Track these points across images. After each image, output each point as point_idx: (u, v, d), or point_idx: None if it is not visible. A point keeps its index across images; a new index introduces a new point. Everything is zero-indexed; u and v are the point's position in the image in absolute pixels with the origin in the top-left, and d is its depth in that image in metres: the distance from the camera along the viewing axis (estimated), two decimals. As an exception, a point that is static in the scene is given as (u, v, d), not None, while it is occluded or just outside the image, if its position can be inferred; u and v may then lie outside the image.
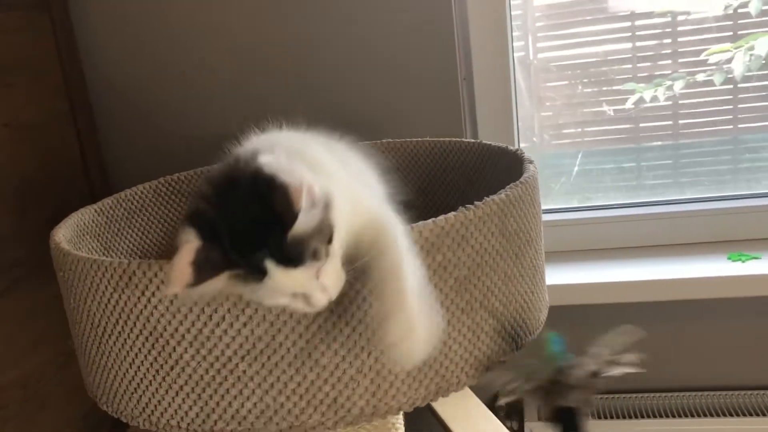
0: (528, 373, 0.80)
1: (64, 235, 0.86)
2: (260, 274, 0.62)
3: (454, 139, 1.11)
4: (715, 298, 1.28)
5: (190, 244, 0.62)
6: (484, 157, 1.05)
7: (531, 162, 0.89)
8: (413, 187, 1.15)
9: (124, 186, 1.09)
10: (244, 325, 0.71)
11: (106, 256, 0.98)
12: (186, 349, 0.73)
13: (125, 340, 0.75)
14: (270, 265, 0.62)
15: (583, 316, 1.38)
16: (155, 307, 0.72)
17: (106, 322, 0.76)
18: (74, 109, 1.30)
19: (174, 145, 1.39)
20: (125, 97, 1.41)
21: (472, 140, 1.09)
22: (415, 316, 0.66)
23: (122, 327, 0.75)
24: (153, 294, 0.72)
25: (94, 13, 1.38)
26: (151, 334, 0.74)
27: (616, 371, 0.78)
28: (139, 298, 0.73)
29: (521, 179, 0.82)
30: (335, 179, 0.70)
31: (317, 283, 0.65)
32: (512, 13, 1.44)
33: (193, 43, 1.39)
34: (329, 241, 0.65)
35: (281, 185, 0.61)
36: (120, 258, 1.01)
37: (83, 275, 0.76)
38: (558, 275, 1.34)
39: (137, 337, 0.74)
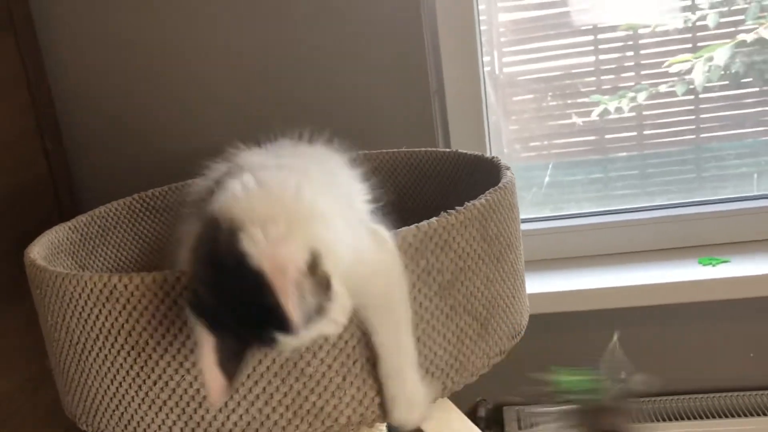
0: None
1: (38, 252, 0.84)
2: (274, 342, 0.63)
3: (429, 149, 1.11)
4: (687, 302, 1.29)
5: (207, 345, 0.62)
6: (460, 166, 1.06)
7: (508, 168, 0.90)
8: (391, 197, 1.15)
9: (93, 204, 1.07)
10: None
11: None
12: (169, 363, 0.72)
13: (106, 355, 0.74)
14: (280, 336, 0.62)
15: (558, 324, 1.39)
16: (137, 320, 0.71)
17: (86, 339, 0.74)
18: (41, 127, 1.28)
19: (144, 161, 1.37)
20: (93, 114, 1.39)
21: (448, 149, 1.10)
22: (416, 393, 0.74)
23: (103, 342, 0.73)
24: (135, 307, 0.71)
25: (61, 31, 1.36)
26: (133, 348, 0.72)
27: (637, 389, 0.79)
28: (120, 312, 0.71)
29: (500, 184, 0.83)
30: (327, 220, 0.66)
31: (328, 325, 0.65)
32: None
33: (160, 59, 1.38)
34: (328, 288, 0.64)
35: (268, 287, 0.59)
36: None
37: (61, 291, 0.75)
38: (531, 284, 1.34)
39: (119, 352, 0.73)
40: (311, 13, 1.35)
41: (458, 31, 1.38)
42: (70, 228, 0.96)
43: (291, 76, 1.34)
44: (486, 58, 1.48)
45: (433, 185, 1.11)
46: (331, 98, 1.36)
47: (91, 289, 0.72)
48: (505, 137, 1.53)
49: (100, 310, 0.72)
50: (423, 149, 1.11)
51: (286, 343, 0.63)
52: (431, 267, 0.75)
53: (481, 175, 0.96)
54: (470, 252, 0.77)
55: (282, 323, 0.59)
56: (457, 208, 0.76)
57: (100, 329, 0.73)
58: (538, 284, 1.35)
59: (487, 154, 1.38)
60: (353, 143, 1.26)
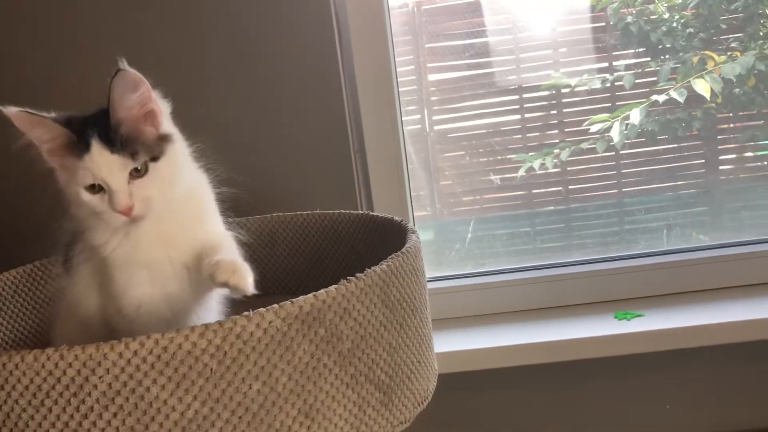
0: None
1: None
2: (86, 146, 0.74)
3: (343, 212, 1.07)
4: (603, 357, 1.26)
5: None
6: (371, 229, 1.02)
7: (414, 232, 0.86)
8: (305, 259, 1.11)
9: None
10: (114, 415, 0.64)
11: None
12: (53, 446, 0.65)
13: (-16, 437, 0.67)
14: (93, 140, 0.74)
15: (479, 382, 1.35)
16: (16, 401, 0.65)
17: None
18: None
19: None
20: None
21: (360, 212, 1.06)
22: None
23: (-19, 423, 0.67)
24: (14, 387, 0.64)
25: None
26: (11, 430, 0.65)
27: None
28: (-2, 391, 0.65)
29: (403, 249, 0.78)
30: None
31: (125, 185, 0.74)
32: (408, 88, 1.45)
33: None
34: (154, 159, 0.76)
35: (120, 70, 0.73)
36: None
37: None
38: (452, 341, 1.31)
39: (-3, 433, 0.66)
40: (227, 67, 1.31)
41: (378, 90, 1.35)
42: None
43: (206, 135, 1.29)
44: (416, 117, 1.47)
45: (347, 248, 1.06)
46: (250, 160, 1.30)
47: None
48: (436, 193, 1.51)
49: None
50: (336, 211, 1.08)
51: (91, 152, 0.74)
52: (330, 335, 0.70)
53: (390, 238, 0.92)
54: (371, 319, 0.73)
55: (102, 127, 0.74)
56: (357, 274, 0.72)
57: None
58: (457, 342, 1.31)
59: (407, 216, 1.36)
60: (271, 205, 1.23)
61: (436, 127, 1.52)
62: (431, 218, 1.53)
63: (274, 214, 1.15)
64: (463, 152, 1.52)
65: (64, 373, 0.64)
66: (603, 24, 1.49)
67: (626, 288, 1.40)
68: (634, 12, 1.46)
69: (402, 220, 0.92)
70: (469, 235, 1.51)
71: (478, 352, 1.25)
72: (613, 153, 1.48)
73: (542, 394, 1.38)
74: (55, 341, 0.89)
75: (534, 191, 1.53)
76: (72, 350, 0.64)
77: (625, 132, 1.45)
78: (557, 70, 1.49)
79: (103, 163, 0.74)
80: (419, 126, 1.50)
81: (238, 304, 0.88)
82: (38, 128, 0.75)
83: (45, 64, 1.31)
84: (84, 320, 0.84)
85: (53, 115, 0.76)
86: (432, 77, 1.51)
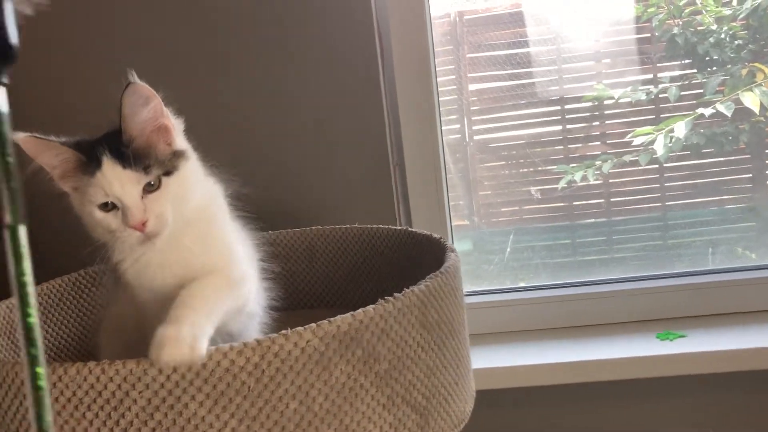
0: None
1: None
2: (97, 164, 0.73)
3: (382, 227, 1.07)
4: (645, 378, 1.23)
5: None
6: (410, 245, 1.01)
7: (453, 251, 0.85)
8: (343, 273, 1.11)
9: (42, 280, 1.01)
10: (153, 430, 0.65)
11: (15, 356, 0.90)
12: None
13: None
14: (104, 156, 0.73)
15: (515, 400, 1.33)
16: (58, 413, 0.66)
17: None
18: None
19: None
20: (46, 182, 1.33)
21: (399, 228, 1.05)
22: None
23: (22, 436, 0.68)
24: (56, 399, 0.65)
25: (22, 100, 1.31)
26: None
27: None
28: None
29: (441, 269, 0.78)
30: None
31: (138, 200, 0.73)
32: (449, 97, 1.44)
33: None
34: (167, 174, 0.75)
35: (131, 83, 0.72)
36: None
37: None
38: (489, 358, 1.28)
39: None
40: (267, 78, 1.30)
41: (418, 102, 1.34)
42: (7, 307, 0.90)
43: (246, 147, 1.29)
44: (456, 126, 1.46)
45: (385, 263, 1.06)
46: (289, 173, 1.31)
47: (2, 380, 0.67)
48: (475, 203, 1.49)
49: (11, 402, 0.67)
50: (375, 226, 1.07)
51: (102, 170, 0.74)
52: (367, 356, 0.69)
53: (428, 255, 0.91)
54: (409, 340, 0.72)
55: (114, 142, 0.74)
56: (395, 294, 0.71)
57: (20, 425, 0.67)
58: (494, 358, 1.29)
59: (446, 229, 1.35)
60: (310, 218, 1.22)
61: (476, 137, 1.51)
62: (470, 229, 1.52)
63: (313, 227, 1.15)
64: (502, 163, 1.50)
65: (105, 387, 0.65)
66: (648, 35, 1.46)
67: (669, 307, 1.36)
68: (680, 23, 1.42)
69: (441, 238, 0.91)
70: (509, 248, 1.49)
71: (515, 370, 1.23)
72: (657, 166, 1.45)
73: (580, 415, 1.35)
74: (99, 349, 0.90)
75: (575, 203, 1.50)
76: (113, 365, 0.65)
77: (670, 145, 1.42)
78: (600, 82, 1.46)
79: (115, 178, 0.73)
80: (459, 136, 1.49)
81: (278, 320, 0.88)
82: (47, 152, 0.74)
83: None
84: (126, 331, 0.85)
85: (62, 138, 0.76)
86: (473, 87, 1.49)
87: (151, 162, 0.74)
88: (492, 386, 1.21)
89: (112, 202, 0.74)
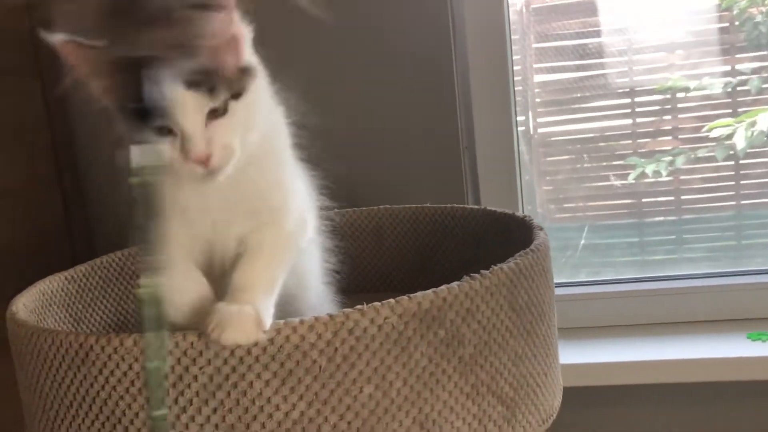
0: None
1: (25, 304, 0.72)
2: None
3: (456, 205, 0.96)
4: (733, 380, 1.10)
5: None
6: (488, 224, 0.91)
7: (541, 229, 0.75)
8: (412, 255, 1.01)
9: (111, 251, 0.94)
10: (214, 410, 0.57)
11: (75, 328, 0.83)
12: (148, 438, 0.58)
13: (79, 426, 0.60)
14: None
15: (589, 400, 1.21)
16: (114, 387, 0.58)
17: (59, 405, 0.61)
18: (61, 172, 1.16)
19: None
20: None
21: (476, 206, 0.96)
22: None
23: (76, 411, 0.60)
24: (112, 372, 0.58)
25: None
26: (108, 419, 0.59)
27: None
28: (96, 377, 0.58)
29: (532, 246, 0.68)
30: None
31: (201, 129, 0.59)
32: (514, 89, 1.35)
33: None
34: (235, 96, 0.60)
35: None
36: (90, 330, 0.86)
37: (36, 349, 0.62)
38: (564, 354, 1.17)
39: (92, 423, 0.59)
40: (344, 64, 1.24)
41: (492, 87, 1.25)
42: (66, 278, 0.83)
43: (317, 127, 1.23)
44: (520, 118, 1.36)
45: (458, 244, 0.95)
46: (358, 152, 1.23)
47: (67, 350, 0.59)
48: (538, 197, 1.39)
49: (75, 374, 0.59)
50: (449, 205, 0.97)
51: None
52: (451, 338, 0.60)
53: (510, 235, 0.81)
54: (496, 323, 0.62)
55: None
56: (482, 272, 0.62)
57: (74, 396, 0.60)
58: (569, 355, 1.17)
59: (520, 213, 1.25)
60: (378, 198, 1.14)
61: (540, 130, 1.41)
62: (533, 223, 1.42)
63: (382, 206, 1.05)
64: (568, 156, 1.40)
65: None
66: (726, 24, 1.35)
67: (763, 306, 1.23)
68: (764, 11, 1.30)
69: (526, 216, 0.81)
70: (582, 242, 1.38)
71: (595, 367, 1.12)
72: (732, 162, 1.33)
73: (663, 417, 1.23)
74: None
75: (643, 200, 1.40)
76: (172, 337, 0.57)
77: (750, 139, 1.30)
78: (673, 73, 1.35)
79: (175, 99, 0.58)
80: (523, 128, 1.39)
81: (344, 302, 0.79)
82: (91, 61, 0.57)
83: None
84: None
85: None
86: (538, 78, 1.40)
87: (217, 82, 0.59)
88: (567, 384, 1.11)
89: (168, 126, 0.59)
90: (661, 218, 1.40)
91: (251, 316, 0.57)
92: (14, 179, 1.09)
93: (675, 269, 1.35)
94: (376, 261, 1.05)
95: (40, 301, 0.76)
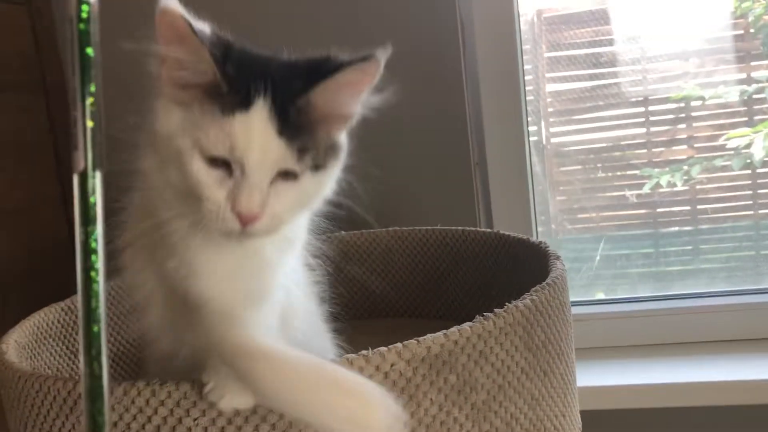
0: None
1: (17, 340, 0.67)
2: (243, 104, 0.49)
3: (467, 229, 0.90)
4: (759, 404, 1.04)
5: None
6: (501, 250, 0.85)
7: (557, 258, 0.69)
8: (422, 280, 0.94)
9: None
10: (209, 465, 0.51)
11: (72, 362, 0.77)
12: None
13: (69, 477, 0.55)
14: (260, 100, 0.49)
15: (607, 424, 1.14)
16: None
17: (48, 455, 0.56)
18: (65, 192, 1.12)
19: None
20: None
21: (488, 230, 0.89)
22: None
23: (66, 462, 0.55)
24: (115, 425, 0.52)
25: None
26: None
27: None
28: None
29: (548, 280, 0.62)
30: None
31: (266, 185, 0.50)
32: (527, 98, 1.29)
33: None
34: (315, 168, 0.52)
35: (373, 57, 0.52)
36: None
37: (23, 394, 0.57)
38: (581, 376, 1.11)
39: (82, 475, 0.54)
40: None
41: (502, 99, 1.20)
42: (63, 309, 0.77)
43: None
44: (533, 128, 1.31)
45: (470, 270, 0.89)
46: (365, 168, 1.17)
47: (54, 397, 0.54)
48: (552, 208, 1.33)
49: (63, 423, 0.54)
50: (460, 228, 0.90)
51: (248, 114, 0.48)
52: (463, 384, 0.54)
53: (525, 262, 0.75)
54: (511, 365, 0.57)
55: (282, 86, 0.50)
56: (495, 310, 0.56)
57: (62, 445, 0.55)
58: (586, 377, 1.10)
59: (531, 234, 1.19)
60: (388, 217, 1.08)
61: (553, 140, 1.35)
62: (546, 235, 1.36)
63: (390, 229, 0.99)
64: (581, 167, 1.35)
65: (156, 411, 0.52)
66: (741, 32, 1.28)
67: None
68: (779, 18, 1.24)
69: (541, 243, 0.74)
70: (598, 256, 1.31)
71: (609, 390, 1.05)
72: (749, 172, 1.26)
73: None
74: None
75: (658, 210, 1.33)
76: (165, 386, 0.51)
77: (768, 148, 1.24)
78: (687, 81, 1.29)
79: (259, 140, 0.48)
80: (536, 138, 1.34)
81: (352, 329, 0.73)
82: (185, 48, 0.49)
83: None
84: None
85: (209, 33, 0.51)
86: (550, 88, 1.34)
87: (310, 145, 0.51)
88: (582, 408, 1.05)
89: (228, 161, 0.49)
90: (677, 228, 1.33)
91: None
92: (17, 198, 1.05)
93: (692, 280, 1.29)
94: (385, 286, 0.98)
95: (34, 335, 0.71)
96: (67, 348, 0.77)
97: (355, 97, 0.54)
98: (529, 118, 1.31)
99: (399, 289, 0.98)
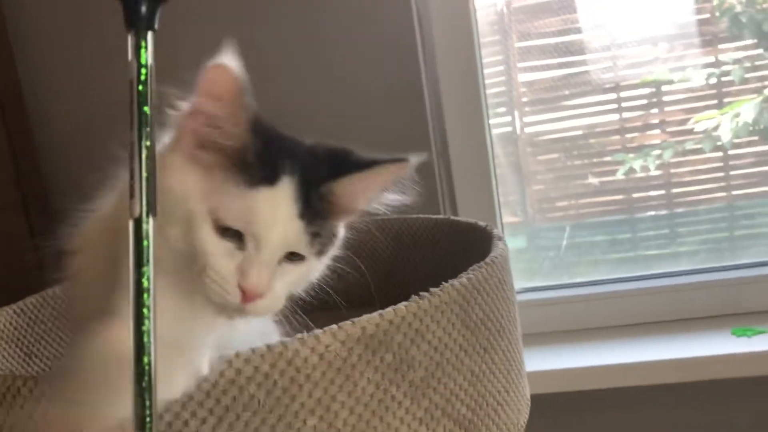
0: None
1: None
2: (268, 180, 0.48)
3: (421, 216, 0.90)
4: (718, 379, 1.03)
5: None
6: (453, 235, 0.84)
7: (500, 239, 0.68)
8: (377, 269, 0.94)
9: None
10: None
11: (26, 363, 0.77)
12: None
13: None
14: (288, 179, 0.49)
15: (575, 404, 1.15)
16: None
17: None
18: (25, 198, 1.11)
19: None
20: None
21: (440, 216, 0.89)
22: None
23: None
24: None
25: (50, 104, 1.19)
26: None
27: None
28: (25, 423, 0.53)
29: (487, 259, 0.62)
30: None
31: (275, 264, 0.50)
32: (498, 89, 1.29)
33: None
34: (319, 253, 0.54)
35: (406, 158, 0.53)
36: (42, 366, 0.80)
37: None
38: (547, 359, 1.11)
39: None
40: (302, 67, 1.18)
41: (462, 90, 1.19)
42: (15, 311, 0.77)
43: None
44: (507, 119, 1.30)
45: (426, 255, 0.89)
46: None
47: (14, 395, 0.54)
48: (528, 198, 1.33)
49: (4, 419, 0.54)
50: (413, 216, 0.90)
51: (272, 192, 0.49)
52: (399, 362, 0.54)
53: (473, 246, 0.75)
54: (449, 343, 0.57)
55: (309, 169, 0.51)
56: (431, 290, 0.56)
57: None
58: (552, 360, 1.11)
59: (495, 222, 1.18)
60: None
61: (527, 129, 1.35)
62: (523, 225, 1.36)
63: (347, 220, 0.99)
64: (556, 155, 1.34)
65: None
66: (707, 15, 1.28)
67: (746, 301, 1.16)
68: (744, 1, 1.23)
69: (487, 225, 0.74)
70: (565, 242, 1.31)
71: (575, 372, 1.06)
72: (721, 154, 1.26)
73: (646, 420, 1.16)
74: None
75: (634, 195, 1.33)
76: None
77: (735, 129, 1.23)
78: (657, 66, 1.28)
79: (281, 218, 0.49)
80: (509, 128, 1.33)
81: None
82: (226, 107, 0.48)
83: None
84: None
85: (253, 106, 0.50)
86: (522, 77, 1.34)
87: (322, 233, 0.52)
88: (548, 390, 1.05)
89: (240, 233, 0.49)
90: (653, 213, 1.33)
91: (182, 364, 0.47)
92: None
93: (669, 263, 1.28)
94: (339, 278, 0.98)
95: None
96: (21, 350, 0.77)
97: (376, 195, 0.56)
98: (502, 109, 1.31)
99: (354, 279, 0.97)
